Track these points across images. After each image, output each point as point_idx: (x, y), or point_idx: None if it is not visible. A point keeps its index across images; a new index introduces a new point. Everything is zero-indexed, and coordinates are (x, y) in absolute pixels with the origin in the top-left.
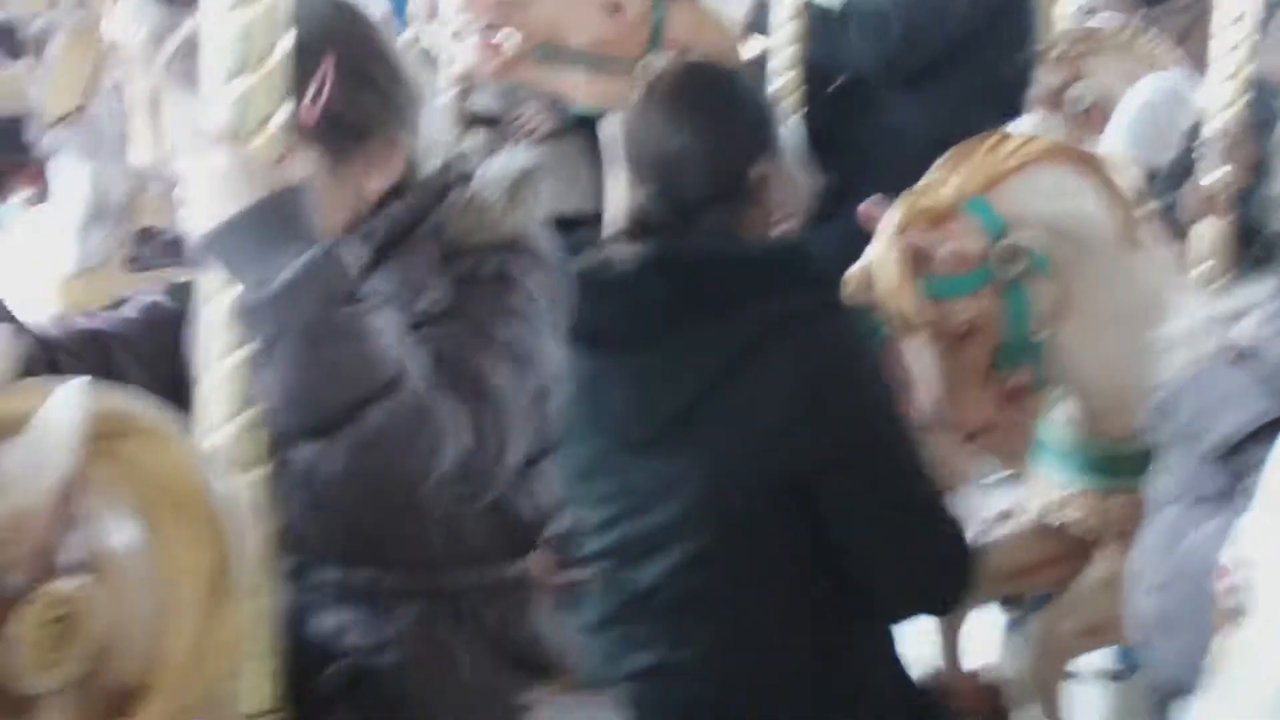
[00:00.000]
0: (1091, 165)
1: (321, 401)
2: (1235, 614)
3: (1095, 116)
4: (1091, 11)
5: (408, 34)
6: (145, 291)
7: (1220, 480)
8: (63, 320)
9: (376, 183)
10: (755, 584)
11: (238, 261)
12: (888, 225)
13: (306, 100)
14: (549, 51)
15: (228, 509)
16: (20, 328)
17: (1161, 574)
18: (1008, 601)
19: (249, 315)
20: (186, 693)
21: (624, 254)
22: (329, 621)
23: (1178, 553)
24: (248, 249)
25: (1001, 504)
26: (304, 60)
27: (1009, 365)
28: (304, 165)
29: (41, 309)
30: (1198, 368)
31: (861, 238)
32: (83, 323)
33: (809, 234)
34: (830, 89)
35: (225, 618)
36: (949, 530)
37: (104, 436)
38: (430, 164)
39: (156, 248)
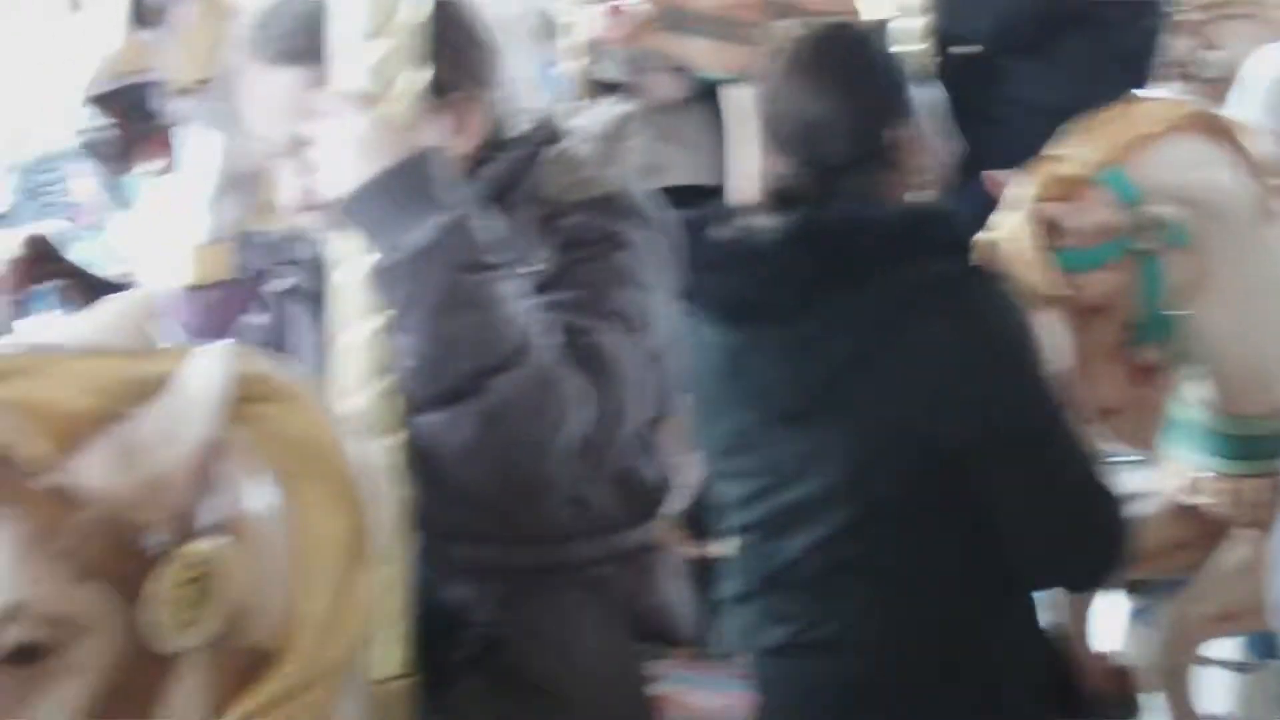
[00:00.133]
0: (1228, 134)
1: (449, 370)
2: None
3: (1223, 85)
4: None
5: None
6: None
7: None
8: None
9: (462, 143)
10: (901, 556)
11: (371, 226)
12: (1019, 196)
13: None
14: (674, 17)
15: (364, 474)
16: None
17: None
18: (1134, 586)
19: (380, 280)
20: (320, 657)
21: (765, 225)
22: (458, 593)
23: None
24: (381, 214)
25: (1132, 485)
26: None
27: (1141, 341)
28: (438, 130)
29: (173, 279)
30: None
31: (987, 208)
32: None
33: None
34: (956, 59)
35: (360, 583)
36: (1107, 502)
37: (244, 400)
38: (518, 125)
39: (255, 252)
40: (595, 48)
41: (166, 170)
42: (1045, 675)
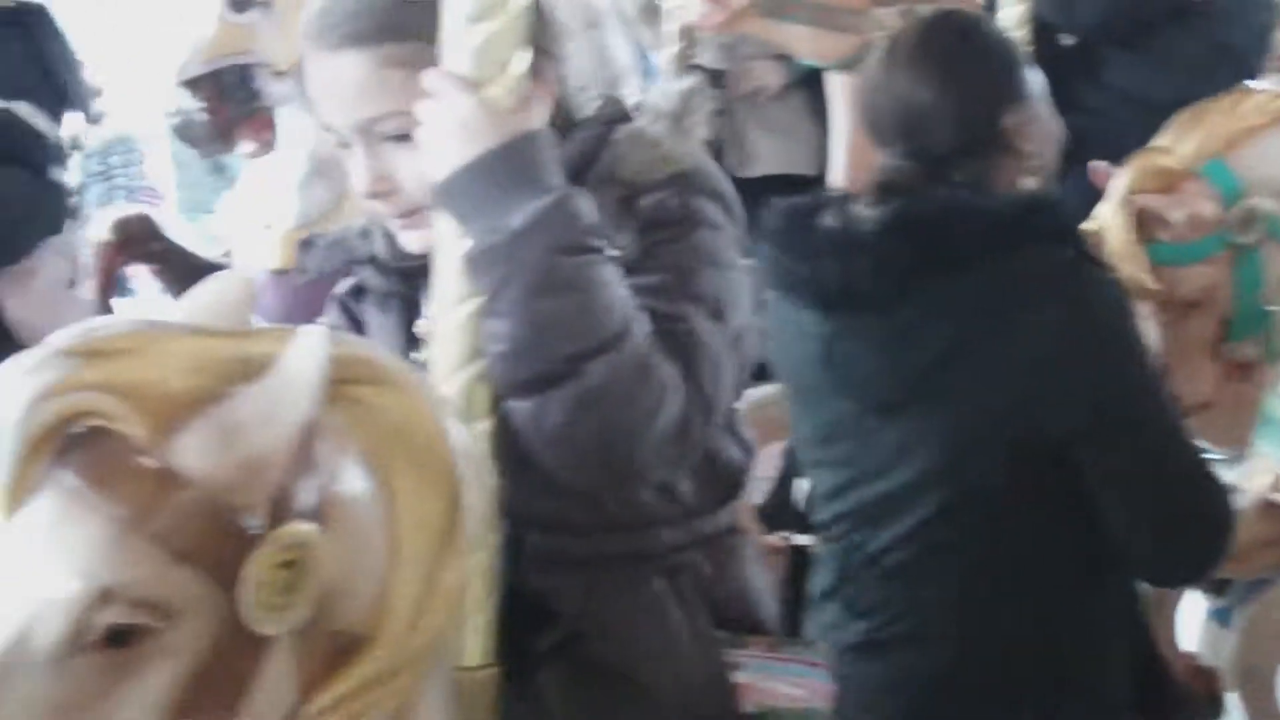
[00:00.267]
0: None
1: (543, 354)
2: None
3: None
4: None
5: None
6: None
7: None
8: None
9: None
10: (993, 546)
11: (471, 208)
12: (1118, 187)
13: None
14: (775, 4)
15: (461, 459)
16: None
17: None
18: (1215, 586)
19: (478, 263)
20: (407, 643)
21: (865, 214)
22: (544, 581)
23: None
24: (482, 196)
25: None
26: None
27: (1239, 337)
28: (541, 113)
29: (263, 263)
30: None
31: (1090, 199)
32: None
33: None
34: (1057, 48)
35: (451, 570)
36: (1214, 493)
37: (343, 382)
38: (586, 105)
39: (316, 255)
40: (690, 33)
41: (260, 154)
42: (1137, 673)
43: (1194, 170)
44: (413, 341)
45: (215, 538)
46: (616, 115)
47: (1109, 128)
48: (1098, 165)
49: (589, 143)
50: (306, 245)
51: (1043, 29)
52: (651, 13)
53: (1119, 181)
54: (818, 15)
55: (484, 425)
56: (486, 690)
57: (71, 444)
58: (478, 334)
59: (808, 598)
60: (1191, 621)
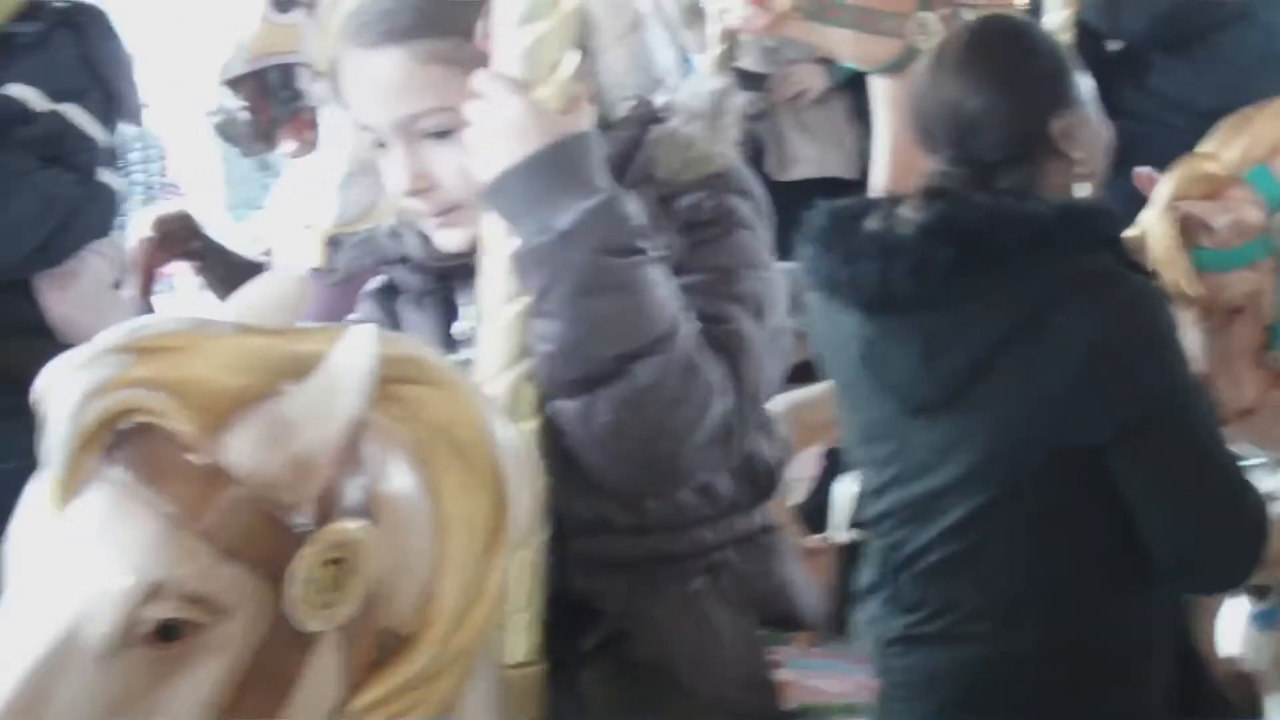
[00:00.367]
0: None
1: (590, 354)
2: None
3: None
4: None
5: None
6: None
7: None
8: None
9: None
10: (1029, 550)
11: (519, 209)
12: (1162, 193)
13: (479, 33)
14: (818, 7)
15: (507, 458)
16: None
17: None
18: (1256, 591)
19: (526, 263)
20: (453, 642)
21: (907, 217)
22: (587, 581)
23: None
24: (530, 196)
25: (1263, 488)
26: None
27: None
28: (589, 114)
29: (302, 263)
30: None
31: (1134, 204)
32: None
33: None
34: (1102, 53)
35: (497, 569)
36: (1249, 502)
37: (391, 381)
38: (620, 106)
39: (345, 254)
40: (732, 36)
41: (302, 153)
42: (1175, 675)
43: (1238, 176)
44: (450, 341)
45: (263, 535)
46: (649, 116)
47: (1153, 133)
48: (1142, 171)
49: (625, 143)
50: (335, 245)
51: (1088, 34)
52: (694, 15)
53: (1163, 187)
54: (861, 19)
55: (530, 425)
56: (530, 688)
57: (122, 440)
58: (525, 334)
59: (850, 594)
60: (1233, 625)
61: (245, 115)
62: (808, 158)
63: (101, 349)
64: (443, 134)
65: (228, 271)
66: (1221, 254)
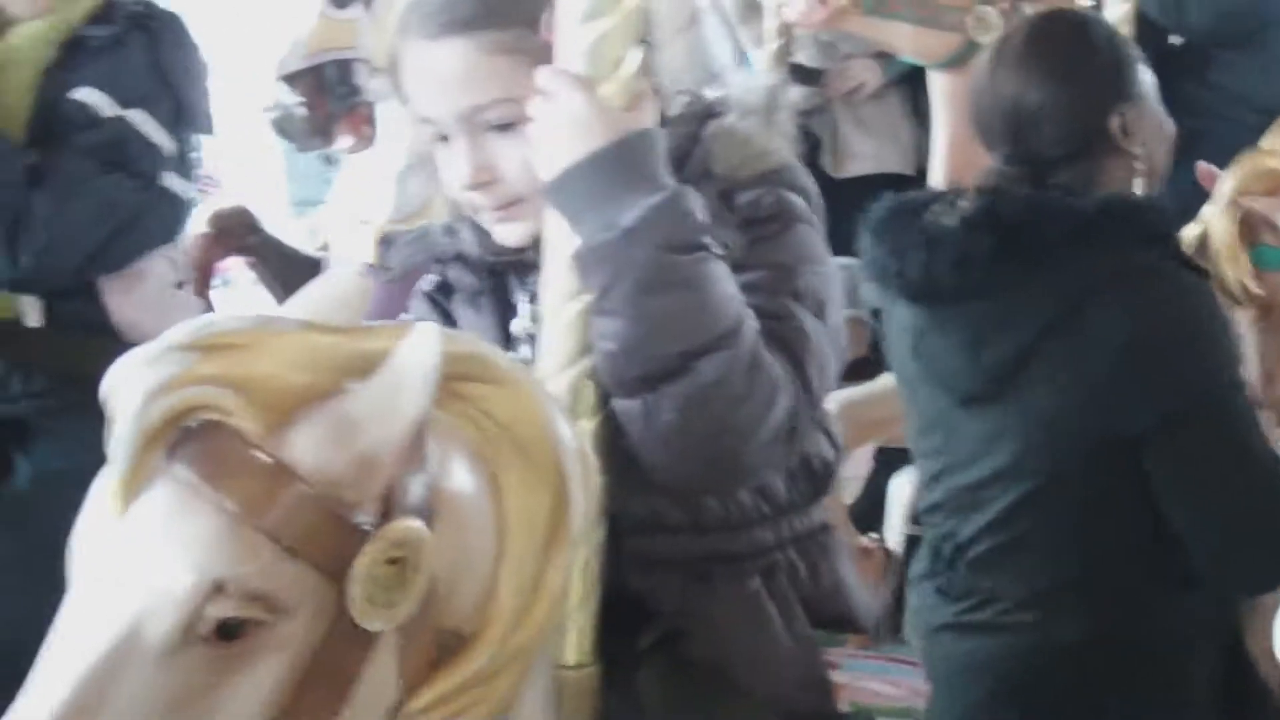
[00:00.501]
0: None
1: (654, 351)
2: None
3: None
4: None
5: None
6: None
7: None
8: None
9: None
10: (1071, 542)
11: (583, 206)
12: (1224, 189)
13: (543, 24)
14: (877, 1)
15: (568, 457)
16: None
17: None
18: None
19: (588, 261)
20: (511, 642)
21: (955, 209)
22: (643, 581)
23: None
24: (594, 194)
25: None
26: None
27: None
28: (654, 111)
29: (357, 257)
30: None
31: (1196, 200)
32: None
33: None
34: (1164, 48)
35: (556, 568)
36: None
37: (454, 378)
38: (675, 102)
39: (399, 252)
40: (789, 31)
41: (359, 148)
42: (1220, 673)
43: None
44: (508, 339)
45: (326, 533)
46: (706, 111)
47: (1216, 129)
48: (1204, 167)
49: (683, 139)
50: (387, 243)
51: (1149, 28)
52: (751, 10)
53: (1225, 183)
54: (920, 13)
55: (589, 423)
56: (586, 689)
57: (186, 437)
58: (585, 332)
59: (903, 588)
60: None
61: (302, 111)
62: (864, 153)
63: (167, 347)
64: (506, 126)
65: (284, 266)
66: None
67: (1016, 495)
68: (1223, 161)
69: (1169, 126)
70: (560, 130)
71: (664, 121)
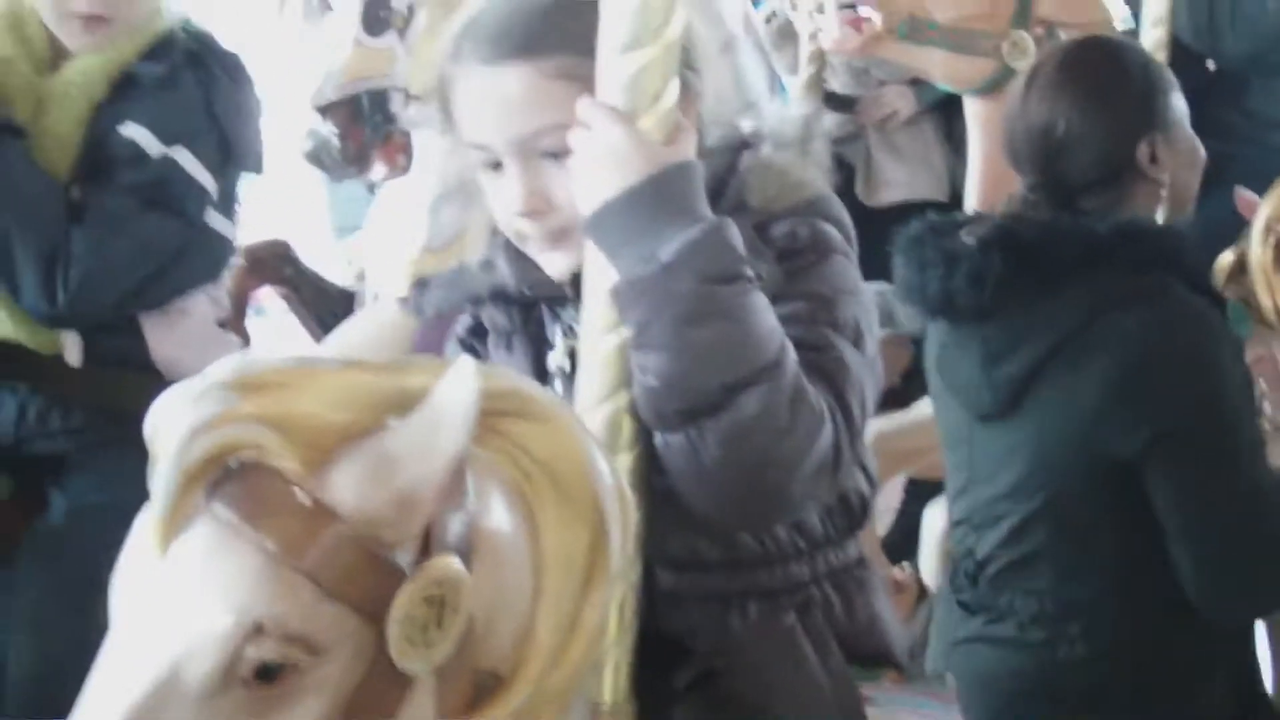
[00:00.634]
0: None
1: (696, 384)
2: None
3: None
4: None
5: (766, 8)
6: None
7: None
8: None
9: None
10: (1075, 559)
11: (621, 240)
12: (1261, 215)
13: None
14: (912, 27)
15: (606, 494)
16: None
17: None
18: None
19: (627, 295)
20: (550, 681)
21: (972, 229)
22: (678, 618)
23: None
24: (633, 227)
25: None
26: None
27: None
28: (691, 143)
29: (391, 287)
30: None
31: (1229, 226)
32: None
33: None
34: (1201, 73)
35: (594, 607)
36: (1274, 529)
37: (493, 414)
38: (710, 134)
39: (433, 295)
40: (822, 58)
41: (393, 177)
42: (1232, 694)
43: None
44: (543, 379)
45: (365, 572)
46: (741, 143)
47: (1249, 154)
48: (1244, 195)
49: (719, 171)
50: (421, 286)
51: (1186, 54)
52: (786, 37)
53: (1263, 210)
54: (954, 39)
55: (627, 459)
56: None
57: (226, 476)
58: (623, 366)
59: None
60: None
61: (336, 141)
62: (897, 181)
63: (209, 385)
64: (559, 154)
65: (318, 298)
66: None
67: (1026, 512)
68: (1258, 186)
69: (1200, 154)
70: (599, 163)
71: (700, 153)
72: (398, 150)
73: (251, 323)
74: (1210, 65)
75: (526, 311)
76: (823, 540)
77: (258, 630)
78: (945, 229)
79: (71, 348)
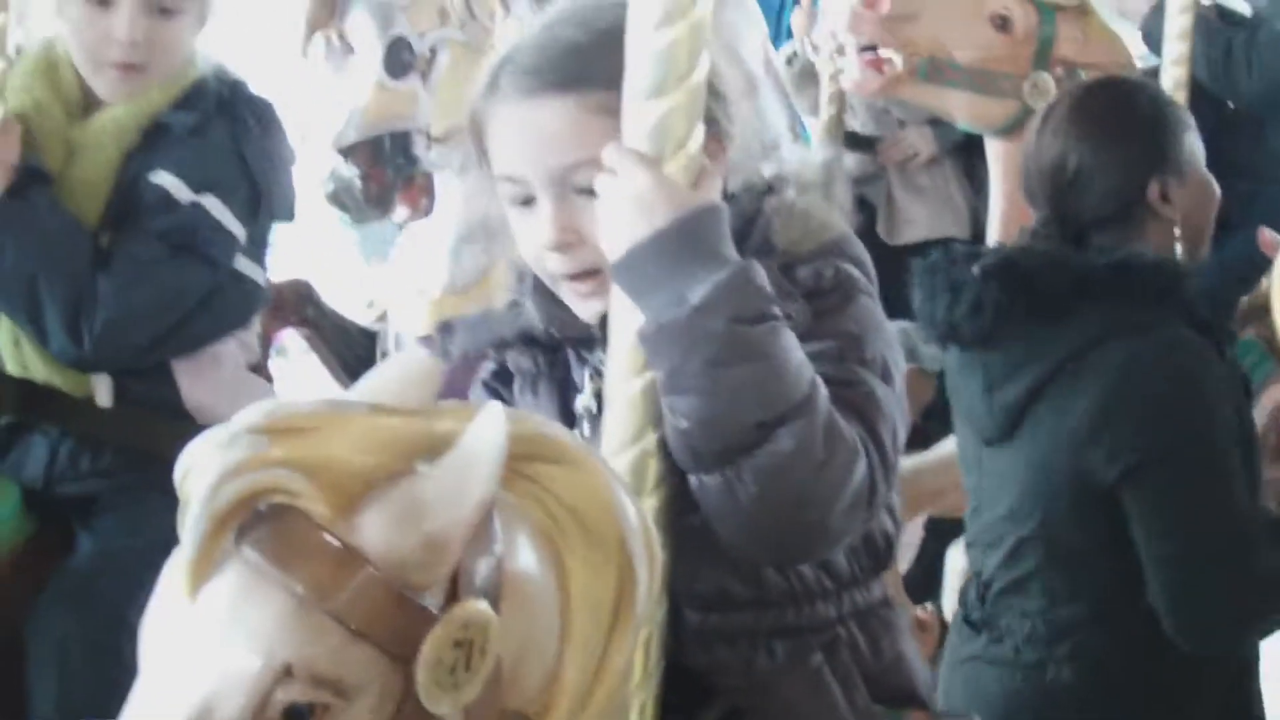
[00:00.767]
0: None
1: (731, 424)
2: None
3: None
4: None
5: (787, 48)
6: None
7: None
8: None
9: None
10: (1063, 584)
11: (649, 285)
12: None
13: None
14: (933, 68)
15: (633, 537)
16: None
17: None
18: None
19: (657, 339)
20: None
21: (982, 260)
22: (705, 657)
23: None
24: (661, 272)
25: None
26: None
27: None
28: (717, 187)
29: (412, 329)
30: None
31: (1252, 265)
32: None
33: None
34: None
35: (620, 649)
36: (1245, 567)
37: (520, 458)
38: (734, 176)
39: (458, 339)
40: (842, 99)
41: (415, 219)
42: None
43: None
44: (569, 420)
45: (393, 615)
46: (764, 186)
47: (1275, 193)
48: (1265, 232)
49: (745, 214)
50: (447, 330)
51: (1208, 92)
52: (807, 78)
53: None
54: (976, 80)
55: (653, 501)
56: None
57: (256, 520)
58: (649, 409)
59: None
60: None
61: (359, 182)
62: (919, 219)
63: (238, 430)
64: (595, 191)
65: (340, 338)
66: None
67: (1021, 535)
68: (1278, 225)
69: (1214, 193)
70: (626, 208)
71: (724, 197)
72: (420, 192)
73: (272, 363)
74: (1232, 104)
75: (552, 355)
76: (849, 580)
77: (286, 672)
78: (961, 259)
79: (102, 390)
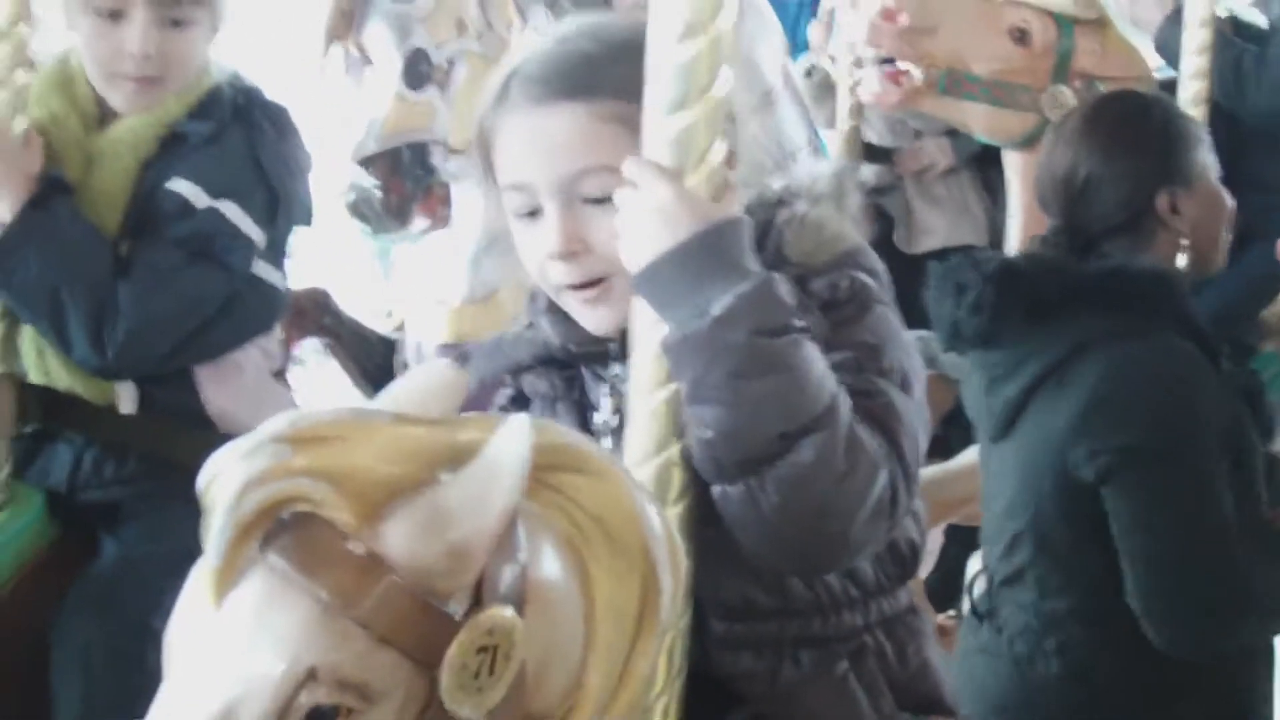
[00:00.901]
0: None
1: (753, 435)
2: None
3: None
4: None
5: (804, 61)
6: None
7: None
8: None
9: None
10: (1054, 581)
11: (671, 297)
12: None
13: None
14: (952, 81)
15: (657, 546)
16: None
17: None
18: None
19: (680, 350)
20: None
21: (982, 264)
22: (730, 665)
23: None
24: (683, 284)
25: None
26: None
27: None
28: (739, 200)
29: (431, 338)
30: None
31: (1270, 278)
32: None
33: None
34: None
35: (643, 656)
36: (1219, 573)
37: (543, 468)
38: (746, 190)
39: (476, 364)
40: (859, 111)
41: (434, 229)
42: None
43: None
44: (589, 436)
45: (418, 622)
46: (776, 199)
47: None
48: None
49: (758, 227)
50: (463, 358)
51: (1223, 106)
52: (825, 91)
53: None
54: (995, 93)
55: (677, 510)
56: None
57: (280, 528)
58: (671, 420)
59: None
60: None
61: (378, 193)
62: (937, 228)
63: (262, 439)
64: (600, 200)
65: (359, 346)
66: None
67: (1016, 529)
68: None
69: (1226, 207)
70: (647, 221)
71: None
72: (438, 203)
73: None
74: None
75: (569, 376)
76: (875, 588)
77: (311, 676)
78: (976, 264)
79: (126, 397)
